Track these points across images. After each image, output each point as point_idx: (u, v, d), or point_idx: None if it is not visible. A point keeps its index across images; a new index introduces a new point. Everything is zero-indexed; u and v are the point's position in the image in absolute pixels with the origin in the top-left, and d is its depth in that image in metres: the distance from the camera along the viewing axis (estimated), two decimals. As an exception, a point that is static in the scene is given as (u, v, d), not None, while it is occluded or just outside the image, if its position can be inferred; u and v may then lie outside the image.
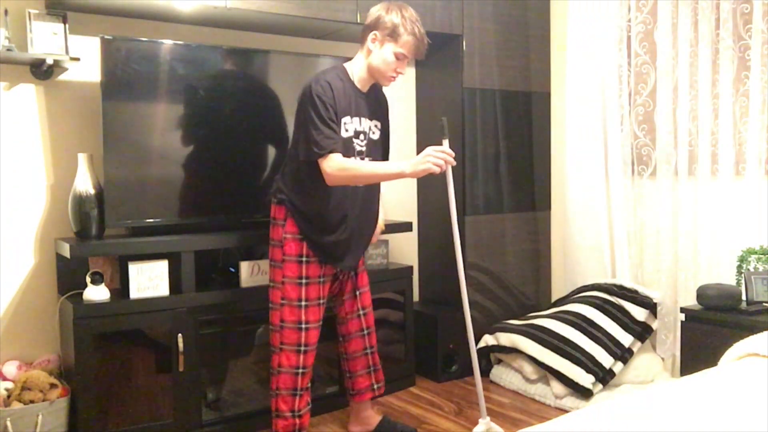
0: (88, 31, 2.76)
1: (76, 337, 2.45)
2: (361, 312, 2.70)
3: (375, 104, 2.57)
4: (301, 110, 2.39)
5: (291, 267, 2.45)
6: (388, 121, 2.68)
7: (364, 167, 2.37)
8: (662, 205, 3.24)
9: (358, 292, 2.70)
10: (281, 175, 2.53)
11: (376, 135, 2.57)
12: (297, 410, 2.48)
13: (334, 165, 2.31)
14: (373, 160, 2.55)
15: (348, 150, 2.44)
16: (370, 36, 2.42)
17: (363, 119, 2.50)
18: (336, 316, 2.74)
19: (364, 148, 2.51)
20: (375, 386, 2.75)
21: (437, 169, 2.30)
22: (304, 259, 2.45)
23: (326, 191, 2.42)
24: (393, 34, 2.38)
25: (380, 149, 2.61)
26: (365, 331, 2.72)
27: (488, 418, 2.52)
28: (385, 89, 2.65)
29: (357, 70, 2.48)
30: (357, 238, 2.55)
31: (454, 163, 2.36)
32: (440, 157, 2.30)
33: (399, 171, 2.34)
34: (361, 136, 2.50)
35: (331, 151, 2.31)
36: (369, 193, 2.57)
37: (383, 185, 2.73)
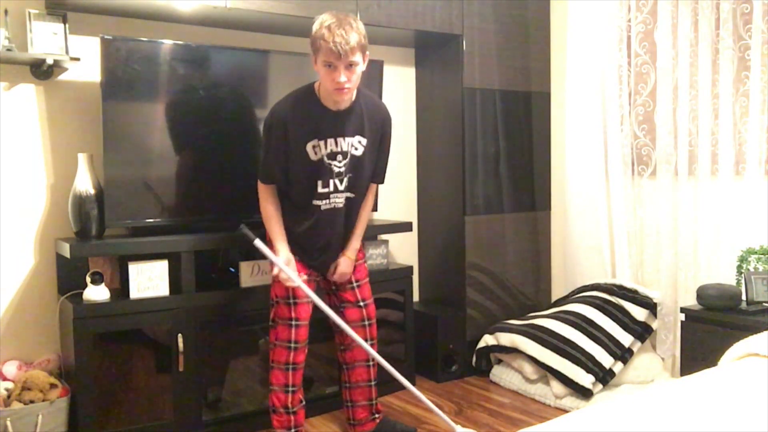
0: (88, 31, 2.76)
1: (76, 337, 2.45)
2: (368, 342, 2.69)
3: (357, 120, 2.48)
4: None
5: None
6: (380, 136, 2.59)
7: (268, 216, 2.49)
8: (662, 205, 3.23)
9: (366, 323, 2.68)
10: None
11: (359, 151, 2.50)
12: (290, 407, 2.50)
13: (262, 193, 2.51)
14: (357, 178, 2.52)
15: (321, 173, 2.44)
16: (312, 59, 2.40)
17: (339, 138, 2.44)
18: (341, 343, 2.72)
19: (342, 169, 2.47)
20: (374, 416, 2.75)
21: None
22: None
23: (302, 205, 2.48)
24: (315, 49, 2.32)
25: (365, 167, 2.54)
26: (370, 362, 2.71)
27: (459, 426, 2.43)
28: (385, 89, 2.63)
29: (322, 89, 2.43)
30: (335, 250, 2.59)
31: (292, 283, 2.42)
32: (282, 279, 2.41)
33: (277, 251, 2.44)
34: (339, 157, 2.45)
35: (265, 182, 2.49)
36: (349, 210, 2.57)
37: (386, 184, 2.74)
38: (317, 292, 2.51)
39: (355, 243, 2.64)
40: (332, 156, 2.45)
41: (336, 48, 2.25)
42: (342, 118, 2.45)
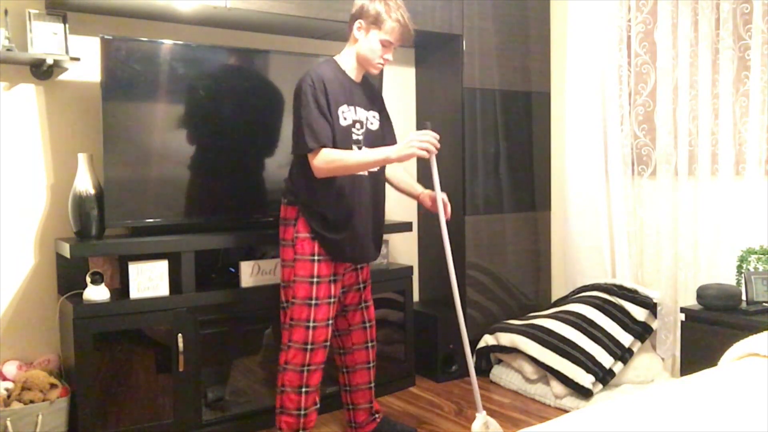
0: (88, 31, 2.76)
1: (76, 337, 2.45)
2: (369, 344, 2.71)
3: (370, 94, 2.58)
4: (295, 106, 2.41)
5: (303, 266, 2.45)
6: (386, 110, 2.68)
7: (350, 157, 2.37)
8: (662, 205, 3.24)
9: (367, 324, 2.70)
10: (290, 176, 2.53)
11: (374, 125, 2.57)
12: (303, 408, 2.48)
13: (322, 158, 2.33)
14: None
15: (347, 139, 2.45)
16: (356, 25, 2.45)
17: (359, 109, 2.50)
18: (340, 347, 2.72)
19: (360, 137, 2.50)
20: (374, 416, 2.76)
21: (422, 153, 2.35)
22: (316, 258, 2.44)
23: (336, 186, 2.42)
24: (377, 22, 2.40)
25: (380, 141, 2.59)
26: (370, 365, 2.72)
27: (484, 412, 2.52)
28: (385, 89, 2.64)
29: (347, 60, 2.50)
30: (368, 232, 2.54)
31: (438, 147, 2.39)
32: (424, 140, 2.35)
33: (384, 156, 2.38)
34: (357, 125, 2.49)
35: (322, 146, 2.34)
36: (377, 186, 2.57)
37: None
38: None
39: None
40: (353, 124, 2.48)
41: (405, 32, 2.43)
42: (360, 89, 2.52)
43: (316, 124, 2.34)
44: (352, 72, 2.50)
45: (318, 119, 2.34)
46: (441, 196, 2.53)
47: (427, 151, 2.35)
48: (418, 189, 2.70)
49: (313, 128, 2.34)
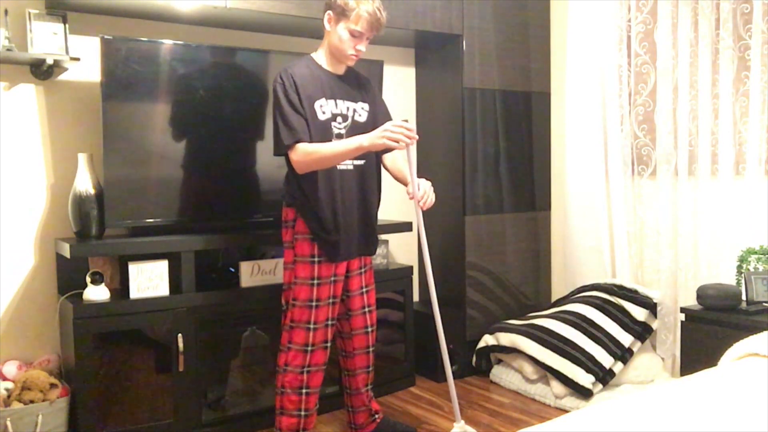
0: (88, 31, 2.76)
1: (76, 337, 2.45)
2: (370, 349, 2.71)
3: (357, 86, 2.56)
4: (273, 109, 2.42)
5: (303, 268, 2.44)
6: (378, 102, 2.65)
7: (326, 148, 2.35)
8: (662, 205, 3.24)
9: (369, 329, 2.69)
10: (286, 177, 2.52)
11: (363, 117, 2.55)
12: (304, 409, 2.48)
13: (299, 153, 2.34)
14: None
15: (326, 133, 2.43)
16: (326, 16, 2.43)
17: (340, 101, 2.48)
18: (342, 350, 2.72)
19: (343, 131, 2.48)
20: (374, 416, 2.76)
21: (393, 144, 2.29)
22: (316, 259, 2.44)
23: (322, 181, 2.41)
24: (344, 12, 2.37)
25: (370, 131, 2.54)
26: (369, 369, 2.72)
27: (462, 422, 2.50)
28: (385, 89, 2.63)
29: (323, 53, 2.49)
30: (354, 226, 2.53)
31: (416, 138, 2.32)
32: (397, 131, 2.28)
33: (357, 145, 2.33)
34: (339, 119, 2.48)
35: (297, 141, 2.34)
36: (364, 180, 2.55)
37: (386, 184, 2.73)
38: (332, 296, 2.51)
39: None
40: (334, 117, 2.47)
41: (374, 22, 2.38)
42: (342, 82, 2.50)
43: (289, 120, 2.35)
44: (330, 65, 2.48)
45: (291, 115, 2.35)
46: (424, 186, 2.46)
47: (400, 141, 2.29)
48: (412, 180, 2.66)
49: (288, 125, 2.35)
